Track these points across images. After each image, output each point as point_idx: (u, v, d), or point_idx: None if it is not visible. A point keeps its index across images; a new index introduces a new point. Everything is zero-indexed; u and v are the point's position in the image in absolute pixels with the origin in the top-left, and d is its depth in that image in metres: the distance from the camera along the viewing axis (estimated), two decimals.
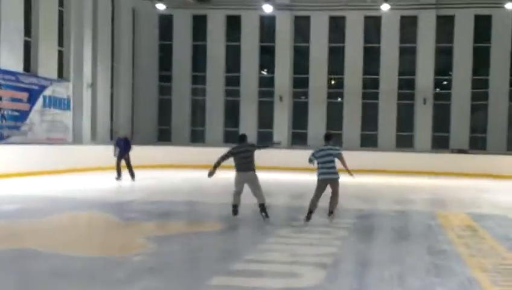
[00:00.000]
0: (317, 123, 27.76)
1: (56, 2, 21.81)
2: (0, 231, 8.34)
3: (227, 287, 5.44)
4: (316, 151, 9.44)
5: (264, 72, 29.25)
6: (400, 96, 27.94)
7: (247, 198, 9.75)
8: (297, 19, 28.49)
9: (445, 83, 28.23)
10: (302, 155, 25.14)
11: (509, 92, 26.84)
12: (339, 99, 28.46)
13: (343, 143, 25.91)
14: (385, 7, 25.46)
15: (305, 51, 28.38)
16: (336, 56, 28.11)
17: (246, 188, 9.58)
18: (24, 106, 20.06)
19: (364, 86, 28.09)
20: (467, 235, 8.69)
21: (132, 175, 17.26)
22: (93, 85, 24.01)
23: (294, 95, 28.75)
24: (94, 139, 24.00)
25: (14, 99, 19.47)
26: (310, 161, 9.42)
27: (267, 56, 28.72)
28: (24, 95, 20.01)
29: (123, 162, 17.11)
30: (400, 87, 27.93)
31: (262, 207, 9.48)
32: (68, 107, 22.60)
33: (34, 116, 20.55)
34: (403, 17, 27.64)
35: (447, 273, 6.19)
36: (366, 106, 28.03)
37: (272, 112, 28.47)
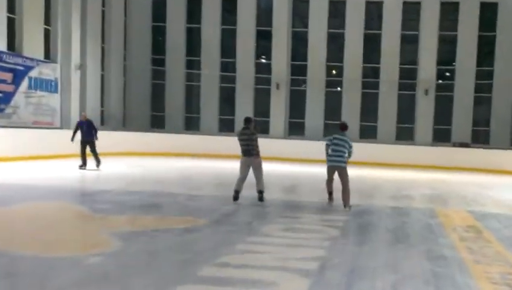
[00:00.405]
0: (315, 113, 26.92)
1: None
2: None
3: None
4: (331, 138, 10.03)
5: (263, 60, 28.21)
6: (401, 87, 27.02)
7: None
8: (295, 1, 27.46)
9: (448, 74, 27.28)
10: (298, 145, 24.97)
11: None
12: (338, 88, 27.53)
13: None
14: None
15: (304, 36, 27.37)
16: (336, 43, 27.14)
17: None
18: (8, 87, 19.29)
19: (364, 75, 27.17)
20: (469, 238, 7.90)
21: (98, 162, 15.92)
22: (82, 67, 23.08)
23: (292, 82, 27.80)
24: None
25: None
26: (327, 145, 10.03)
27: (263, 41, 27.71)
28: (8, 76, 19.23)
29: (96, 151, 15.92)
30: (401, 77, 26.99)
31: (260, 193, 10.13)
32: (56, 90, 21.77)
33: (19, 98, 19.80)
34: (405, 3, 26.68)
35: (448, 284, 5.37)
36: (366, 95, 27.12)
37: (269, 100, 27.53)
